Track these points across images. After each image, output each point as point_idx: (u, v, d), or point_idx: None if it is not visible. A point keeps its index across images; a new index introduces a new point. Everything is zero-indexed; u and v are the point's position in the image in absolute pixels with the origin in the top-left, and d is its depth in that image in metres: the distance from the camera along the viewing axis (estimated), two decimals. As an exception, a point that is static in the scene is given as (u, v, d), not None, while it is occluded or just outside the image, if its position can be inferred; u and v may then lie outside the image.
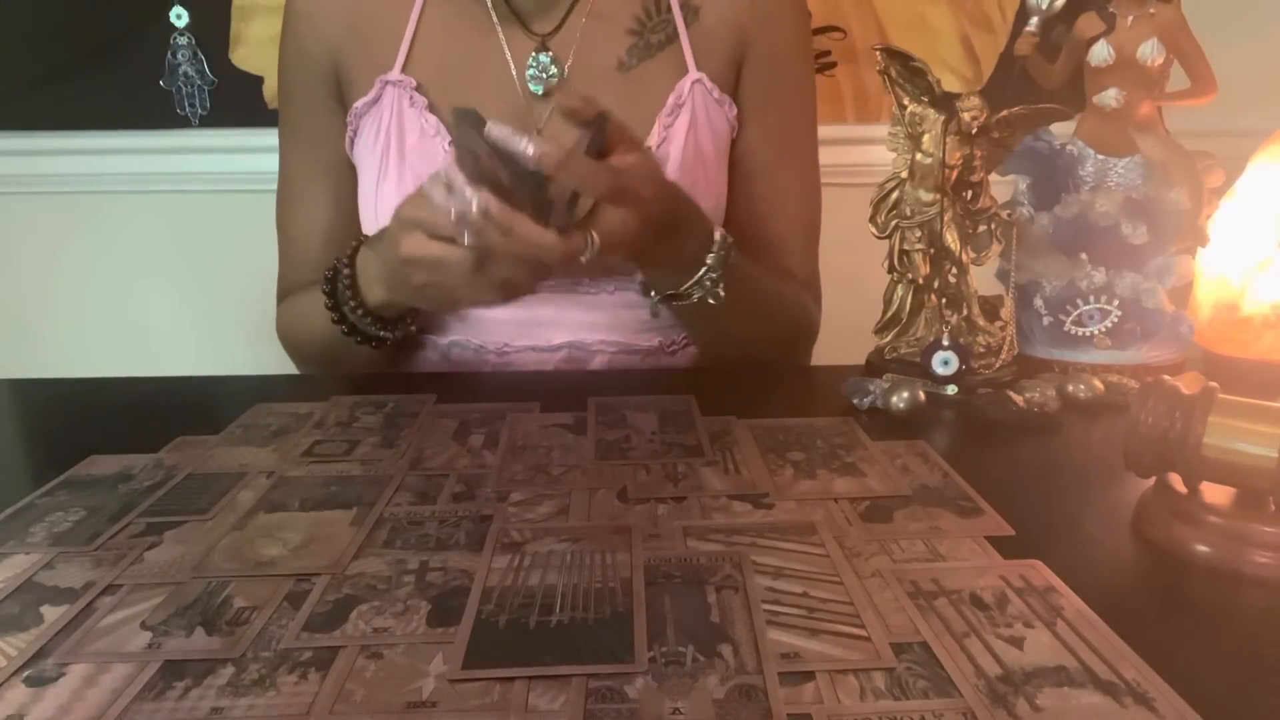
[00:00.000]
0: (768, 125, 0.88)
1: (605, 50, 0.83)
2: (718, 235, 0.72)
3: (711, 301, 0.72)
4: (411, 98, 0.81)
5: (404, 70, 0.82)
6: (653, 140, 0.82)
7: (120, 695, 0.36)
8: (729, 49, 0.85)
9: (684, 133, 0.83)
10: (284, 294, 0.90)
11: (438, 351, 0.86)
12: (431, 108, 0.82)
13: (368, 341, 0.77)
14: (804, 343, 0.92)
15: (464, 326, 0.85)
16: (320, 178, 0.87)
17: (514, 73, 0.82)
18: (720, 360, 0.86)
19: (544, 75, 0.82)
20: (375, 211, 0.82)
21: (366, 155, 0.83)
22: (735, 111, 0.87)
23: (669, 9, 0.84)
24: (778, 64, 0.88)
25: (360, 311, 0.74)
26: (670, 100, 0.83)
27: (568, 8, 0.83)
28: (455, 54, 0.83)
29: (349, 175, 0.87)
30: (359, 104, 0.83)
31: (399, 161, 0.81)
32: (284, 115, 0.89)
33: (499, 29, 0.83)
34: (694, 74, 0.84)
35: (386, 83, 0.82)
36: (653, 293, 0.74)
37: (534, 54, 0.82)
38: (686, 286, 0.72)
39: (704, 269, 0.71)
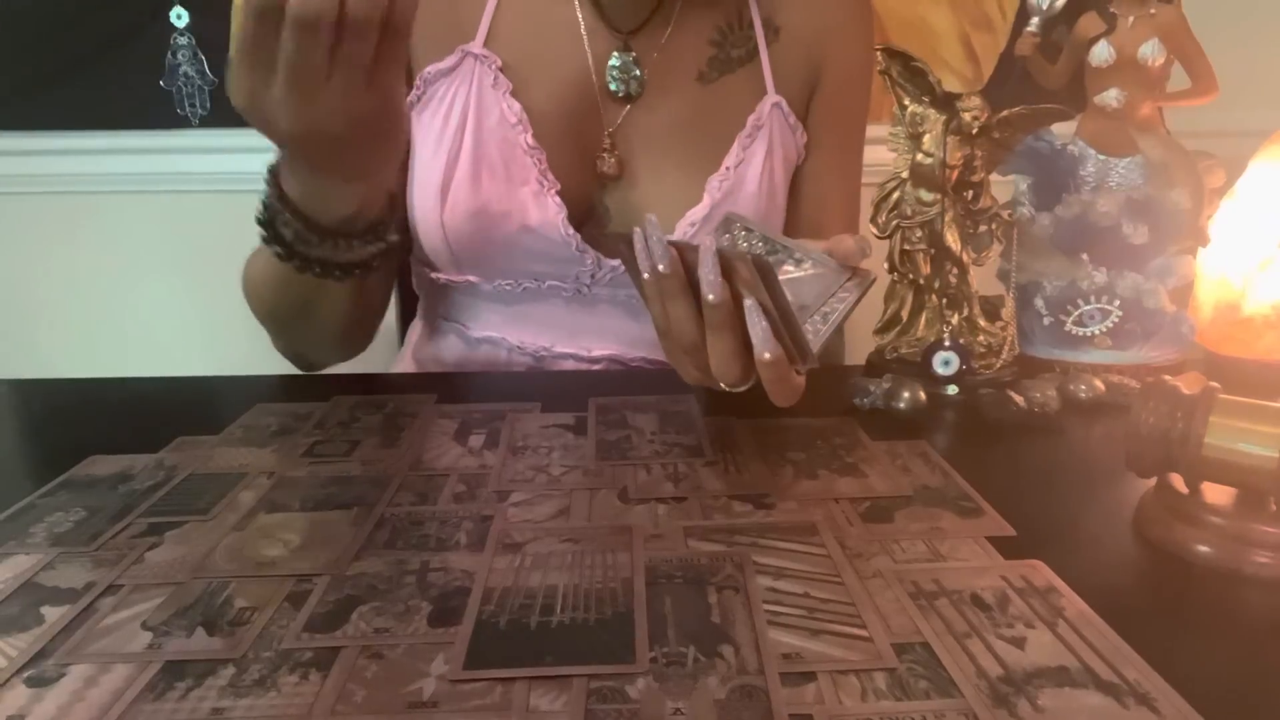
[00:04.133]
0: (828, 153, 0.87)
1: (687, 58, 0.81)
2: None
3: None
4: (495, 78, 0.77)
5: (486, 45, 0.78)
6: (730, 161, 0.80)
7: (121, 696, 0.36)
8: (806, 73, 0.84)
9: (761, 157, 0.81)
10: None
11: (465, 343, 0.84)
12: (514, 92, 0.77)
13: (337, 271, 0.66)
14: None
15: (503, 323, 0.82)
16: None
17: (592, 68, 0.79)
18: None
19: (627, 76, 0.79)
20: (439, 191, 0.76)
21: (434, 127, 0.78)
22: (805, 139, 0.85)
23: (751, 25, 0.82)
24: (845, 94, 0.86)
25: (303, 232, 0.64)
26: (750, 121, 0.81)
27: (652, 7, 0.80)
28: (535, 36, 0.79)
29: None
30: (430, 69, 0.78)
31: (474, 143, 0.76)
32: None
33: (581, 19, 0.79)
34: (773, 96, 0.82)
35: (467, 53, 0.77)
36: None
37: (616, 53, 0.79)
38: None
39: None
